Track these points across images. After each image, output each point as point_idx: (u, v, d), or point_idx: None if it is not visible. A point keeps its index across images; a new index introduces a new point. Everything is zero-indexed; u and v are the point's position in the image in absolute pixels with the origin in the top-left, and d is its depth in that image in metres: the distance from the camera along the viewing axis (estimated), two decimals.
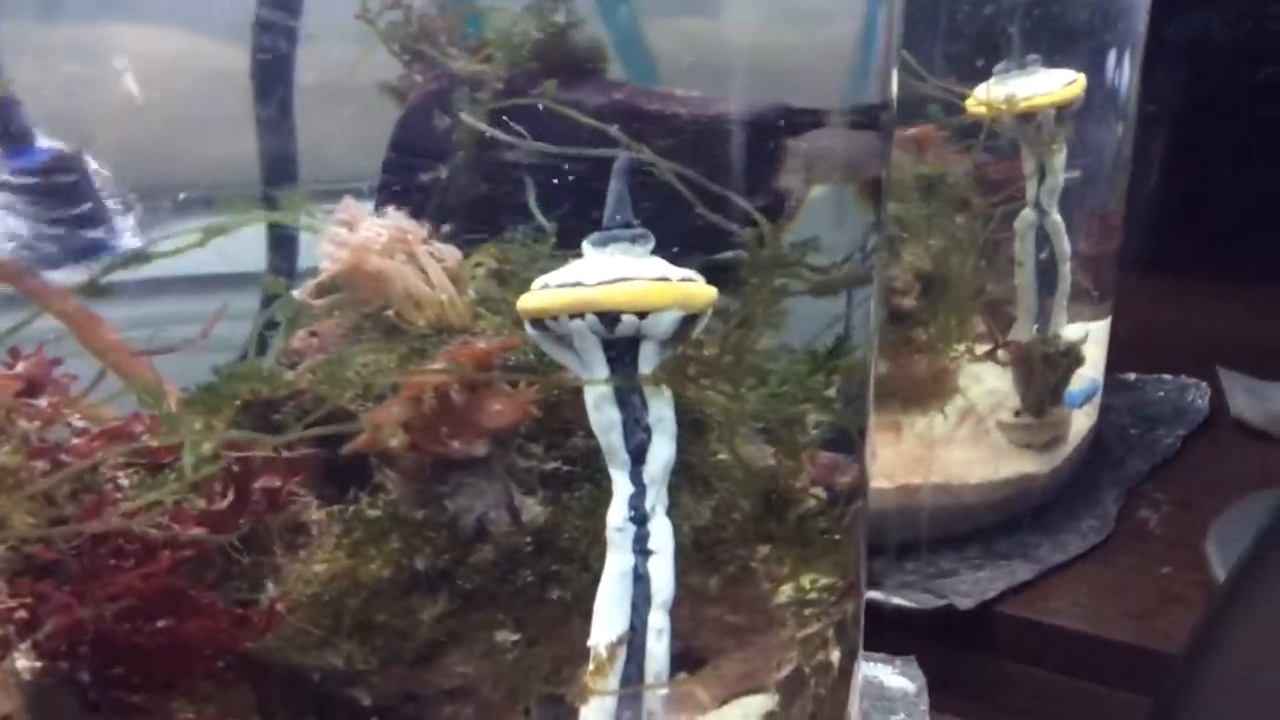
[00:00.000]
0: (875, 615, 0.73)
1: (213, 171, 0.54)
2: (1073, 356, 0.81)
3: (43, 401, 0.44)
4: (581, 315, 0.40)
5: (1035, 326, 0.83)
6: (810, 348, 0.50)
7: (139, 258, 0.49)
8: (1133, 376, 1.05)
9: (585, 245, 0.42)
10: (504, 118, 0.53)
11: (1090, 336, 0.85)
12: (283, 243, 0.56)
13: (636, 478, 0.42)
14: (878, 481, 0.77)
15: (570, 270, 0.41)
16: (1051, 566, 0.77)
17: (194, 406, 0.47)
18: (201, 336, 0.47)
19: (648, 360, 0.41)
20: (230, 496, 0.43)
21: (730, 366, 0.47)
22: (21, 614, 0.39)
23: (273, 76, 0.54)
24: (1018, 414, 0.82)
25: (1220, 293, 1.15)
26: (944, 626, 0.72)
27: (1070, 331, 0.83)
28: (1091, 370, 0.87)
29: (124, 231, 0.51)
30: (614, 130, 0.49)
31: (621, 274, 0.40)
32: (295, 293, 0.51)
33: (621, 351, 0.41)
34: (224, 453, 0.43)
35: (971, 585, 0.75)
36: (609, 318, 0.40)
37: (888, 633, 0.71)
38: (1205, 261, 1.15)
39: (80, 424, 0.44)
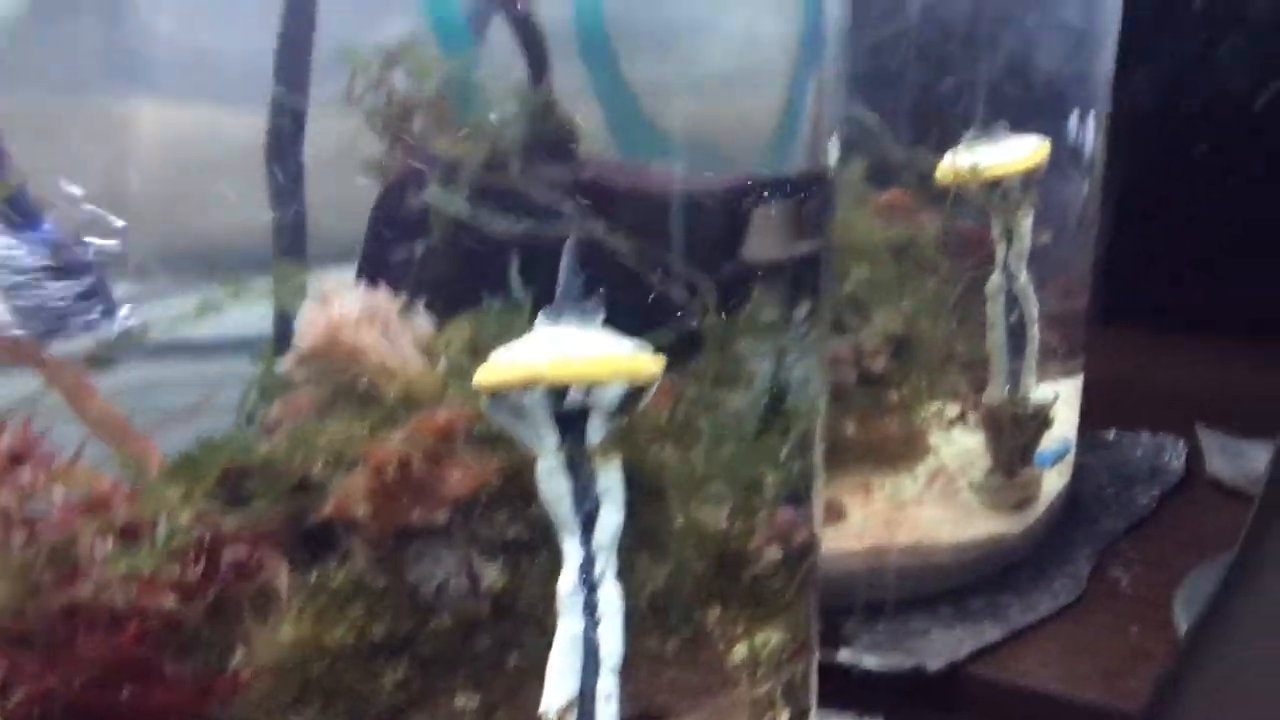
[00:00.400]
0: (844, 675, 0.74)
1: (228, 240, 0.57)
2: (1041, 418, 0.83)
3: (25, 473, 0.46)
4: (532, 388, 0.42)
5: (1007, 387, 0.85)
6: (757, 409, 0.52)
7: (136, 334, 0.51)
8: (1111, 434, 1.07)
9: (538, 320, 0.45)
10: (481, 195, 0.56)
11: (1061, 396, 0.87)
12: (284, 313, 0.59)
13: (586, 545, 0.44)
14: (848, 542, 0.79)
15: (522, 345, 0.44)
16: (1021, 626, 0.78)
17: (175, 476, 0.49)
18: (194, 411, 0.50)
19: (596, 431, 0.43)
20: (201, 565, 0.45)
21: (681, 432, 0.48)
22: None
23: (284, 151, 0.57)
24: (989, 474, 0.83)
25: (1202, 348, 1.17)
26: (914, 687, 0.74)
27: (1040, 393, 0.85)
28: (1063, 430, 0.88)
29: (123, 305, 0.54)
30: (568, 207, 0.52)
31: (570, 348, 0.43)
32: (279, 363, 0.54)
33: (571, 423, 0.43)
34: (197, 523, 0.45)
35: (942, 645, 0.76)
36: (558, 391, 0.42)
37: (857, 692, 0.73)
38: (1187, 316, 1.17)
39: (61, 495, 0.46)
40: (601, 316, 0.45)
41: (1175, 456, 1.02)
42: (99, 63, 0.52)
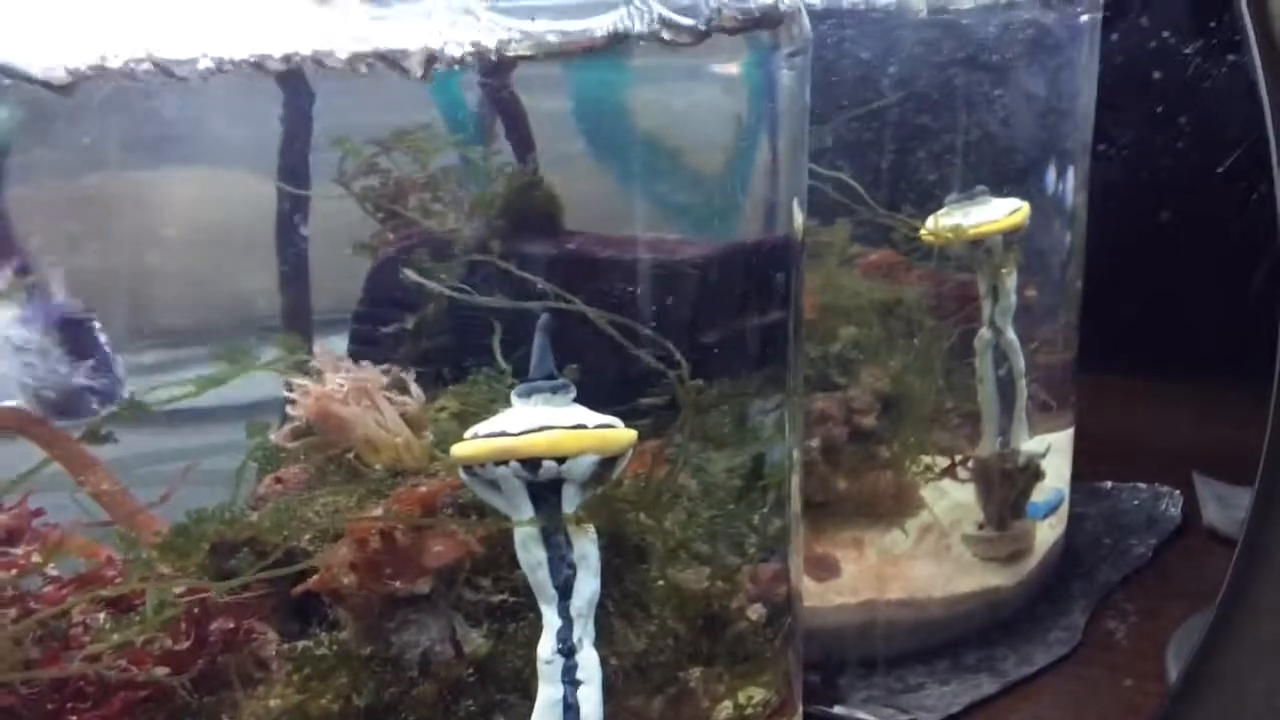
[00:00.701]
0: None
1: (237, 308, 0.59)
2: (1031, 470, 0.84)
3: (19, 551, 0.47)
4: (506, 462, 0.44)
5: (998, 441, 0.86)
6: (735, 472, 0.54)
7: (136, 406, 0.53)
8: (1108, 485, 1.07)
9: (512, 396, 0.46)
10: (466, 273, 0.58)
11: (1053, 447, 0.88)
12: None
13: (564, 612, 0.45)
14: (841, 597, 0.80)
15: (497, 420, 0.45)
16: (1016, 680, 0.79)
17: (167, 549, 0.50)
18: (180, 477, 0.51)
19: (570, 501, 0.45)
20: (190, 636, 0.46)
21: (654, 500, 0.50)
22: None
23: (288, 230, 0.59)
24: (981, 528, 0.84)
25: (1199, 396, 1.18)
26: None
27: (1031, 445, 0.86)
28: (1055, 481, 0.89)
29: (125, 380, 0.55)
30: (546, 283, 0.53)
31: (542, 423, 0.44)
32: (273, 436, 0.56)
33: (545, 494, 0.45)
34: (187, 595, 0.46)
35: (937, 700, 0.76)
36: (531, 463, 0.44)
37: None
38: (1181, 366, 1.17)
39: (54, 572, 0.48)
40: (573, 393, 0.46)
41: (1172, 506, 1.03)
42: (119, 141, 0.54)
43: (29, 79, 0.42)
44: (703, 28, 0.46)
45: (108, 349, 0.55)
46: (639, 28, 0.43)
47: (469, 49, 0.44)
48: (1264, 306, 0.59)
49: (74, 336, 0.53)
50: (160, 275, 0.56)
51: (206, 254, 0.58)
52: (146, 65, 0.42)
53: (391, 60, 0.43)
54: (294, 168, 0.58)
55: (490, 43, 0.44)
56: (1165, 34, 0.96)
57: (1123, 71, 0.84)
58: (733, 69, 0.51)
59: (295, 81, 0.49)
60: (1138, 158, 1.00)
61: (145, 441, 0.53)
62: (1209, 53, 0.95)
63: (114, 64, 0.42)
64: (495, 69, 0.54)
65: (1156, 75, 0.98)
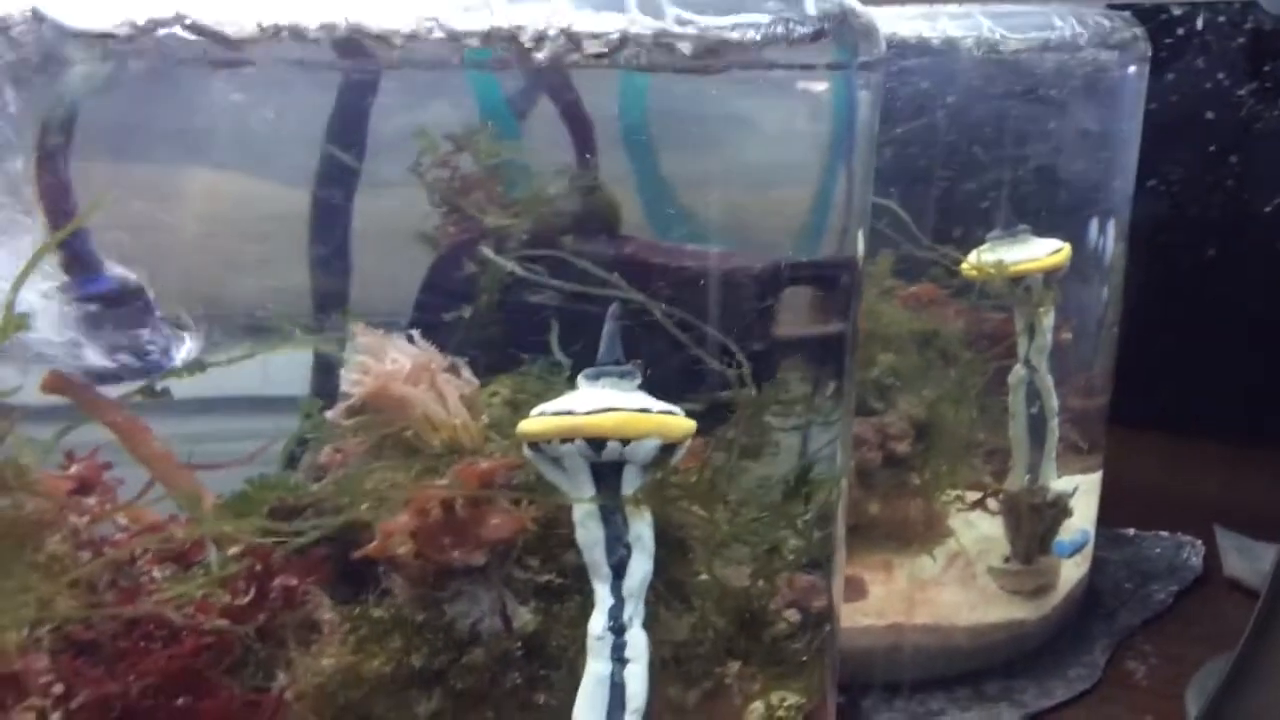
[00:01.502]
0: None
1: (271, 302, 0.61)
2: (1060, 507, 0.85)
3: (92, 500, 0.49)
4: (571, 440, 0.45)
5: (1027, 477, 0.87)
6: (784, 477, 0.55)
7: (191, 368, 0.55)
8: (1131, 532, 1.08)
9: (579, 379, 0.48)
10: (527, 265, 0.59)
11: (1081, 489, 0.89)
12: (324, 369, 0.62)
13: (616, 590, 0.47)
14: (869, 619, 0.80)
15: (564, 400, 0.47)
16: (1036, 712, 0.79)
17: (229, 509, 0.52)
18: (249, 458, 0.53)
19: (630, 483, 0.46)
20: (251, 593, 0.48)
21: (707, 492, 0.51)
22: (58, 688, 0.44)
23: (329, 219, 0.61)
24: (1007, 560, 0.85)
25: (1223, 454, 1.19)
26: None
27: (1060, 483, 0.87)
28: (1082, 522, 0.90)
29: (178, 356, 0.57)
30: (614, 278, 0.55)
31: (608, 404, 0.46)
32: (328, 414, 0.57)
33: (606, 474, 0.46)
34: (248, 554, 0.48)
35: None
36: (596, 443, 0.45)
37: None
38: (1209, 422, 1.19)
39: (124, 523, 0.50)
40: (638, 379, 0.48)
41: (1194, 555, 1.03)
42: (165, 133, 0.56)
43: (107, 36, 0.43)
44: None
45: (160, 321, 0.56)
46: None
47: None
48: None
49: (126, 307, 0.55)
50: (210, 260, 0.58)
51: (256, 242, 0.60)
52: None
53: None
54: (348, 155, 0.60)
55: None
56: (1220, 75, 0.99)
57: (1177, 110, 0.86)
58: (818, 85, 0.53)
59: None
60: (1188, 195, 1.02)
61: (187, 425, 0.55)
62: (1262, 95, 0.97)
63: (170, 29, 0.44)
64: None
65: (1209, 115, 1.00)
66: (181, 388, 0.54)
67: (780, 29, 0.44)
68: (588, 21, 0.43)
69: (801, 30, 0.45)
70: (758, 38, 0.44)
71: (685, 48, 0.43)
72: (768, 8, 0.44)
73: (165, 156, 0.56)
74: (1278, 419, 0.64)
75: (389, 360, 0.56)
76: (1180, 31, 1.00)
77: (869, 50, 0.50)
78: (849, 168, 0.56)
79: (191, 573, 0.48)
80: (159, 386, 0.54)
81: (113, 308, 0.55)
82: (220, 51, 0.45)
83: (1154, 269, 0.91)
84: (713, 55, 0.44)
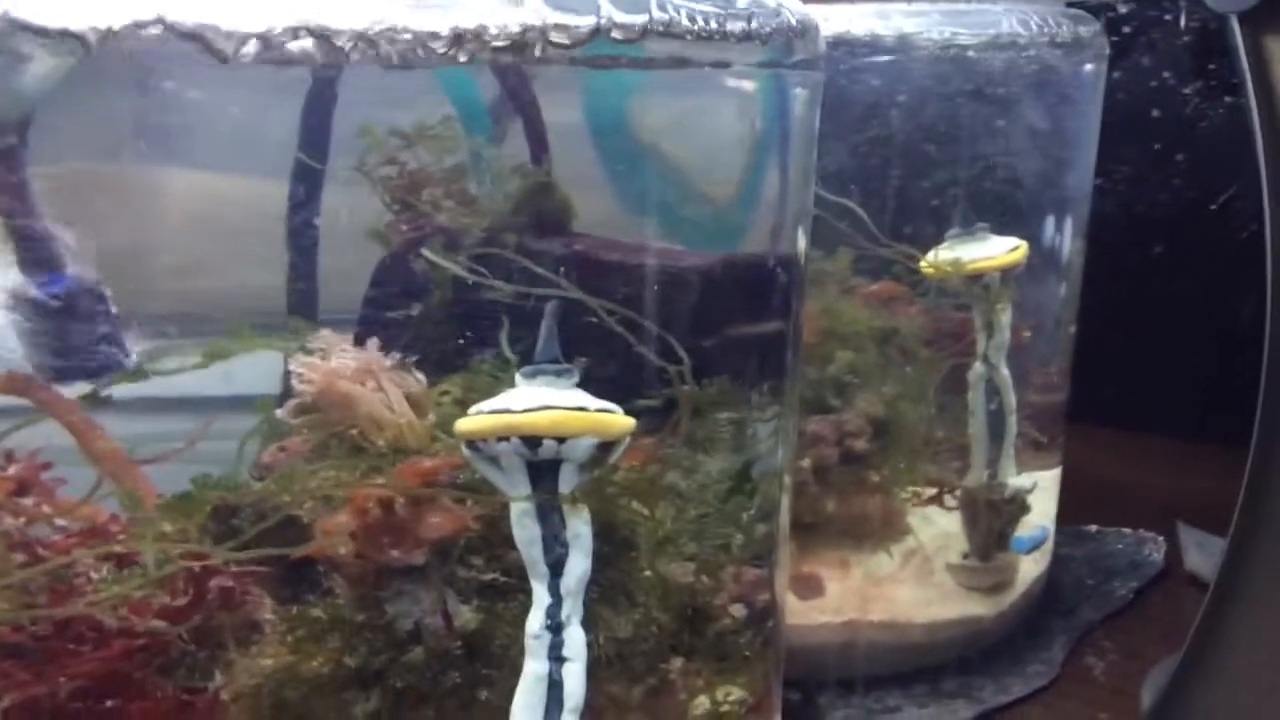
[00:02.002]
0: None
1: (244, 301, 0.60)
2: (1018, 504, 0.85)
3: (29, 501, 0.49)
4: (507, 438, 0.45)
5: (985, 473, 0.87)
6: (725, 473, 0.55)
7: (140, 374, 0.55)
8: (1094, 529, 1.09)
9: (517, 377, 0.48)
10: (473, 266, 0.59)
11: (1040, 485, 0.90)
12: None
13: (554, 589, 0.47)
14: (826, 616, 0.81)
15: (501, 398, 0.47)
16: (992, 707, 0.80)
17: (170, 510, 0.52)
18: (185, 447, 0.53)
19: (567, 481, 0.46)
20: (188, 593, 0.47)
21: (648, 489, 0.51)
22: None
23: (300, 218, 0.61)
24: (965, 557, 0.85)
25: (1185, 450, 1.19)
26: None
27: (1018, 480, 0.87)
28: (1041, 518, 0.90)
29: (134, 354, 0.57)
30: (560, 278, 0.55)
31: (544, 403, 0.46)
32: (278, 412, 0.57)
33: (543, 472, 0.46)
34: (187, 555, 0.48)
35: None
36: (531, 441, 0.45)
37: None
38: (1167, 419, 1.19)
39: (62, 524, 0.49)
40: (576, 377, 0.48)
41: (1155, 552, 1.04)
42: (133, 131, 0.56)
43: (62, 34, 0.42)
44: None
45: (116, 320, 0.56)
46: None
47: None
48: (1250, 345, 0.61)
49: (82, 305, 0.55)
50: (166, 260, 0.58)
51: (215, 241, 0.60)
52: (176, 33, 0.43)
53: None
54: (311, 155, 0.60)
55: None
56: (1166, 74, 0.99)
57: (1123, 108, 0.87)
58: (747, 84, 0.53)
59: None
60: (1134, 193, 1.03)
61: (142, 425, 0.55)
62: (1207, 93, 0.98)
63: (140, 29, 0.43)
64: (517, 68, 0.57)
65: (1156, 114, 1.00)
66: (144, 387, 0.54)
67: (709, 25, 0.43)
68: (496, 16, 0.43)
69: (731, 27, 0.45)
70: (685, 34, 0.44)
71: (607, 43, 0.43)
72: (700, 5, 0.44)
73: (125, 154, 0.56)
74: (1233, 416, 0.64)
75: (334, 358, 0.56)
76: (1126, 29, 1.00)
77: (805, 48, 0.50)
78: (783, 166, 0.56)
79: (129, 573, 0.48)
80: (105, 393, 0.54)
81: (70, 308, 0.55)
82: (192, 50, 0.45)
83: (1100, 266, 0.91)
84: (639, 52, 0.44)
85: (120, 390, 0.53)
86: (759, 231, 0.59)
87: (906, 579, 0.83)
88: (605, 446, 0.47)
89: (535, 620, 0.47)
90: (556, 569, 0.47)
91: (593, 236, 0.63)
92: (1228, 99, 0.96)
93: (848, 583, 0.81)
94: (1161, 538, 1.06)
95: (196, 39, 0.42)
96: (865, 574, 0.82)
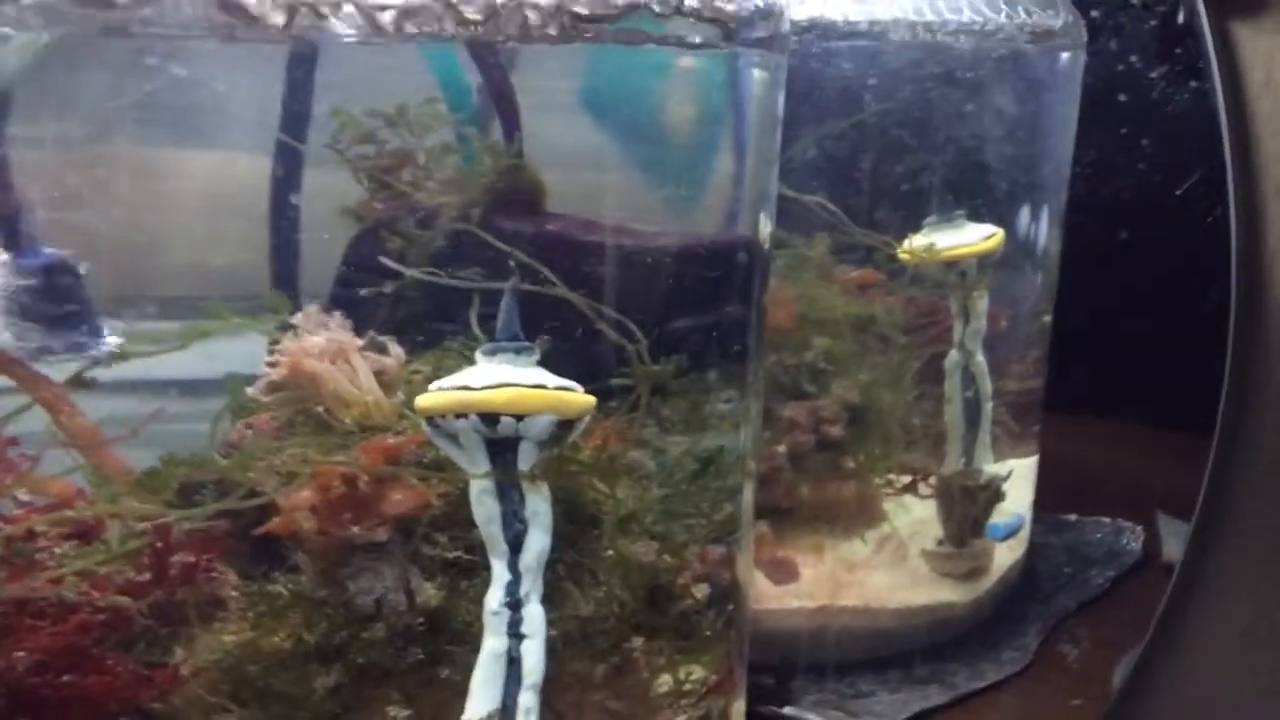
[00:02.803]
0: None
1: (226, 279, 0.61)
2: (993, 490, 0.86)
3: None
4: (465, 415, 0.45)
5: (961, 460, 0.87)
6: (688, 454, 0.55)
7: (120, 356, 0.55)
8: (1073, 517, 1.09)
9: (477, 354, 0.48)
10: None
11: (1016, 473, 0.90)
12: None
13: (513, 566, 0.47)
14: (799, 601, 0.81)
15: (460, 375, 0.47)
16: (965, 693, 0.80)
17: (137, 486, 0.52)
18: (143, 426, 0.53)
19: (526, 458, 0.46)
20: (151, 569, 0.48)
21: (607, 467, 0.51)
22: None
23: (281, 196, 0.61)
24: (940, 544, 0.86)
25: (1164, 440, 1.20)
26: None
27: (994, 467, 0.88)
28: (1017, 506, 0.91)
29: (108, 332, 0.57)
30: (519, 258, 0.55)
31: (503, 380, 0.46)
32: (248, 390, 0.57)
33: (502, 449, 0.46)
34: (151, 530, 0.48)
35: (886, 707, 0.78)
36: (490, 418, 0.45)
37: None
38: (1149, 408, 1.19)
39: (25, 498, 0.49)
40: (536, 355, 0.48)
41: (1133, 541, 1.04)
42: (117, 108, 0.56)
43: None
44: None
45: (90, 299, 0.56)
46: None
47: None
48: (1215, 332, 0.61)
49: (56, 284, 0.55)
50: (150, 241, 0.58)
51: (199, 221, 0.60)
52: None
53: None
54: (290, 134, 0.60)
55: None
56: (1132, 58, 0.99)
57: (1089, 93, 0.87)
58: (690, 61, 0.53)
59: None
60: (1100, 177, 1.03)
61: (119, 406, 0.55)
62: (1173, 78, 0.98)
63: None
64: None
65: (1122, 98, 1.00)
66: (130, 368, 0.54)
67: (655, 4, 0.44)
68: None
69: (688, 3, 0.45)
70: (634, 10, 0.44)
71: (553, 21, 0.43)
72: None
73: (106, 131, 0.56)
74: (1210, 404, 0.65)
75: (302, 337, 0.56)
76: (1094, 14, 1.00)
77: (766, 28, 0.50)
78: (739, 147, 0.56)
79: (92, 548, 0.48)
80: (90, 375, 0.54)
81: (45, 285, 0.55)
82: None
83: (1069, 250, 0.91)
84: (584, 25, 0.44)
85: (105, 373, 0.54)
86: (713, 212, 0.59)
87: (880, 565, 0.83)
88: (565, 424, 0.47)
89: (494, 597, 0.47)
90: (515, 546, 0.47)
91: (563, 215, 0.63)
92: (1193, 83, 0.96)
93: (821, 568, 0.82)
94: (1140, 527, 1.06)
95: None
96: (839, 559, 0.82)
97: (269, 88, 0.58)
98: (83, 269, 0.56)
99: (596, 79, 0.56)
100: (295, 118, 0.60)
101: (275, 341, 0.56)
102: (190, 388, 0.57)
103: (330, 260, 0.64)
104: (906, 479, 0.86)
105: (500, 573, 0.47)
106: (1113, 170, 1.03)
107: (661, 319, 0.57)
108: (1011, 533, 0.89)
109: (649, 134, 0.56)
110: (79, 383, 0.54)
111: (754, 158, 0.56)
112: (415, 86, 0.60)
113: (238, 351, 0.58)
